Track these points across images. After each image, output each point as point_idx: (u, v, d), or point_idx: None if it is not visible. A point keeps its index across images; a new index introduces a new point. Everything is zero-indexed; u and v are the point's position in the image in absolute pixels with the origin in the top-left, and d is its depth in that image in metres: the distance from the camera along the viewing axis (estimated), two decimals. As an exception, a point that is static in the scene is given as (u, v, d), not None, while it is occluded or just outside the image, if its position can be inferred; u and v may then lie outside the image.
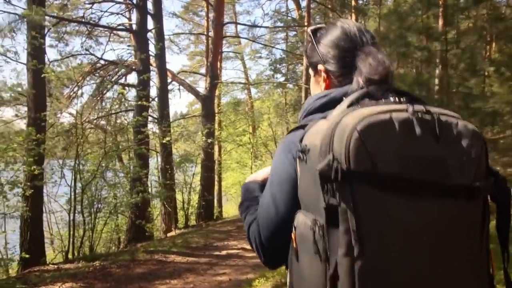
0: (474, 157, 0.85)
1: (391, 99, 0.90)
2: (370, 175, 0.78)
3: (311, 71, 1.20)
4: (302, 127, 1.00)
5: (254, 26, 20.21)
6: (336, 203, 0.79)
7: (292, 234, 0.92)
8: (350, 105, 0.89)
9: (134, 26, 12.56)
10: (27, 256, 7.67)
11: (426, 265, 0.81)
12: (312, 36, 1.16)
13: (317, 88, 1.16)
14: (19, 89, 9.53)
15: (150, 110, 13.88)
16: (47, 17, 9.97)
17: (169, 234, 11.40)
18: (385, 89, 0.92)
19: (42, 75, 8.39)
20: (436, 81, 9.57)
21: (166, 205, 11.74)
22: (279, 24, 21.23)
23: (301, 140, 0.92)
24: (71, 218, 8.59)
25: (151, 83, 12.95)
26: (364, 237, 0.78)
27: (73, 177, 8.77)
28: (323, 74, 1.12)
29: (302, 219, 0.90)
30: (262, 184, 1.19)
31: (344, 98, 0.95)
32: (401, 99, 0.89)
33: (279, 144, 1.07)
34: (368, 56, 1.00)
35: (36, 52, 8.32)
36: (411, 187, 0.79)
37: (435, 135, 0.82)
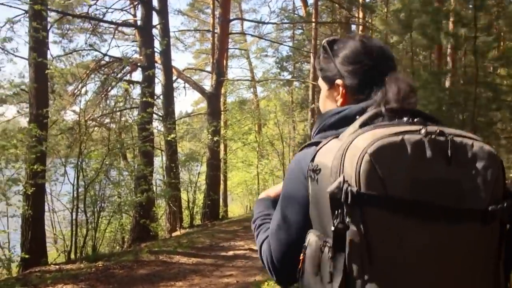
0: (490, 179, 0.82)
1: (405, 119, 0.87)
2: (381, 198, 0.77)
3: (323, 85, 1.16)
4: (315, 144, 0.99)
5: (260, 22, 19.97)
6: (346, 226, 0.78)
7: (301, 255, 0.92)
8: (363, 124, 0.88)
9: (139, 23, 12.35)
10: (26, 256, 7.48)
11: None
12: (328, 49, 1.12)
13: (331, 103, 1.13)
14: (23, 86, 9.33)
15: (155, 108, 13.70)
16: (50, 12, 9.79)
17: (174, 234, 11.23)
18: (401, 109, 0.91)
19: (46, 71, 8.18)
20: (448, 77, 9.32)
21: (171, 204, 11.56)
22: (285, 23, 20.99)
23: (312, 159, 0.91)
24: (74, 217, 8.40)
25: (156, 81, 12.76)
26: (374, 261, 0.77)
27: (76, 175, 8.57)
28: (341, 89, 1.09)
29: (313, 239, 0.89)
30: (275, 201, 1.17)
31: (357, 116, 0.94)
32: (415, 120, 0.87)
33: (291, 162, 1.06)
34: (396, 80, 0.97)
35: (38, 45, 8.08)
36: (422, 210, 0.78)
37: (447, 157, 0.80)
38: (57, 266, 7.36)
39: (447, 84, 9.00)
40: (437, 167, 0.79)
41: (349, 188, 0.77)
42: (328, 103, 1.14)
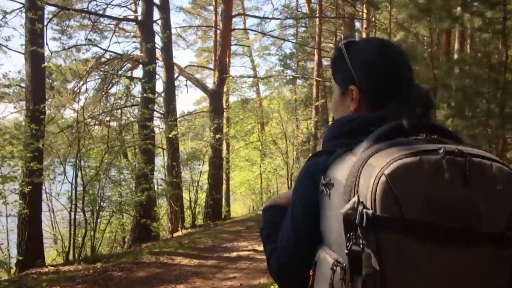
0: (508, 202, 0.79)
1: (422, 136, 0.84)
2: (397, 221, 0.74)
3: (337, 89, 1.12)
4: (326, 153, 0.96)
5: (263, 18, 19.76)
6: (359, 249, 0.75)
7: (310, 271, 0.90)
8: (379, 139, 0.85)
9: (139, 18, 12.09)
10: (20, 258, 7.24)
11: None
12: (344, 51, 1.07)
13: (344, 108, 1.09)
14: (22, 84, 9.07)
15: (156, 106, 13.45)
16: (50, 7, 9.54)
17: (175, 234, 10.99)
18: (419, 123, 0.87)
19: (42, 65, 7.92)
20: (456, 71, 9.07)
21: (173, 204, 11.30)
22: (289, 19, 20.75)
23: (324, 172, 0.89)
24: (72, 217, 8.16)
25: (158, 78, 12.49)
26: (389, 286, 0.75)
27: (74, 174, 8.33)
28: (354, 94, 1.05)
29: (323, 256, 0.87)
30: (283, 208, 1.12)
31: (372, 127, 0.90)
32: (434, 137, 0.84)
33: (301, 170, 1.03)
34: (415, 91, 0.96)
35: (34, 37, 7.79)
36: (439, 234, 0.75)
37: (465, 178, 0.77)
38: (55, 268, 7.18)
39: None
40: (454, 189, 0.77)
41: (364, 211, 0.74)
42: (340, 108, 1.10)
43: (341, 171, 0.84)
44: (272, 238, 1.11)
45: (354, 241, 0.76)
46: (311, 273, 0.90)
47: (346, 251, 0.76)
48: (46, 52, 9.39)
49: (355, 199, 0.76)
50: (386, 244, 0.74)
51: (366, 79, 1.03)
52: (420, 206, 0.75)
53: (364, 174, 0.78)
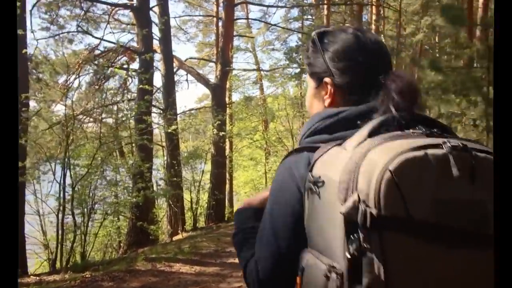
0: None
1: (420, 130, 0.79)
2: (404, 221, 0.69)
3: (311, 82, 1.04)
4: (307, 149, 0.90)
5: (267, 6, 19.36)
6: (361, 252, 0.69)
7: (297, 278, 0.83)
8: (372, 133, 0.78)
9: (135, 5, 11.33)
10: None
11: None
12: (318, 41, 1.00)
13: (318, 103, 1.02)
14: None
15: (155, 102, 12.72)
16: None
17: (175, 238, 10.34)
18: (413, 116, 0.82)
19: (23, 51, 7.18)
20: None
21: (172, 205, 10.57)
22: (294, 11, 20.21)
23: (311, 169, 0.82)
24: (60, 220, 7.41)
25: (156, 70, 11.73)
26: None
27: (62, 173, 7.59)
28: (329, 87, 0.98)
29: (312, 262, 0.80)
30: (258, 211, 1.04)
31: (359, 120, 0.86)
32: (433, 130, 0.79)
33: (279, 168, 0.94)
34: (398, 75, 0.89)
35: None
36: (448, 236, 0.71)
37: (471, 175, 0.72)
38: (38, 278, 6.53)
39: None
40: (462, 187, 0.71)
41: (367, 210, 0.68)
42: (315, 102, 1.03)
43: (334, 167, 0.76)
44: (248, 244, 1.01)
45: (355, 244, 0.69)
46: (298, 280, 0.81)
47: (347, 255, 0.70)
48: (30, 38, 8.62)
49: (355, 197, 0.70)
50: (390, 246, 0.68)
51: (341, 71, 0.97)
52: (428, 204, 0.70)
53: (364, 169, 0.71)
